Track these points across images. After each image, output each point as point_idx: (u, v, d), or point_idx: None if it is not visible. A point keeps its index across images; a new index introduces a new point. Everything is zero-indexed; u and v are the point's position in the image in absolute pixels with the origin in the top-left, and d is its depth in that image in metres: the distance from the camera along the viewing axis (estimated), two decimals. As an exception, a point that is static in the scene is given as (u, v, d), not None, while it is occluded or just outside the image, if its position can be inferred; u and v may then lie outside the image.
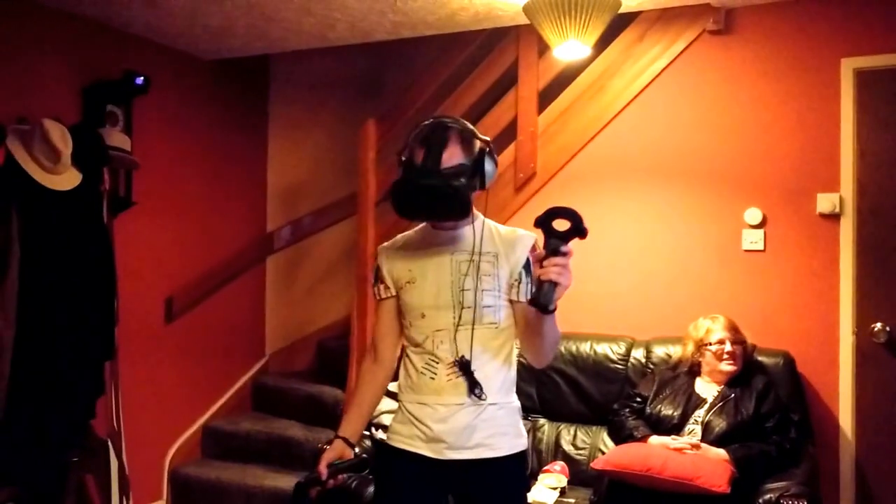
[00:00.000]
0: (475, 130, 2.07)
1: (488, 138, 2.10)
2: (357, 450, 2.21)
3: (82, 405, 3.35)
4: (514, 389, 2.14)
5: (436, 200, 1.98)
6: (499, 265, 2.07)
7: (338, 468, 2.04)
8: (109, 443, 3.56)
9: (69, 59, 3.71)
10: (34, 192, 3.09)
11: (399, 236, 2.21)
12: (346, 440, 2.10)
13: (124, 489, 3.58)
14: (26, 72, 3.52)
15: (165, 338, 4.29)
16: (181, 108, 4.38)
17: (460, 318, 2.03)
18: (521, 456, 2.10)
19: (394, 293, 2.13)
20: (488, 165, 2.04)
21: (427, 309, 2.06)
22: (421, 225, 2.19)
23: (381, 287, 2.15)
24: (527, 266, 2.08)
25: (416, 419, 2.06)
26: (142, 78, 3.76)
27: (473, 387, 2.01)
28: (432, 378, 2.04)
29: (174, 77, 4.29)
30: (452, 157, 2.00)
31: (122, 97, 3.84)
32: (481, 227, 2.10)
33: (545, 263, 1.84)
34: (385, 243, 2.21)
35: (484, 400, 2.02)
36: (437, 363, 2.04)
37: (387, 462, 2.14)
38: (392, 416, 2.18)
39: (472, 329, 2.02)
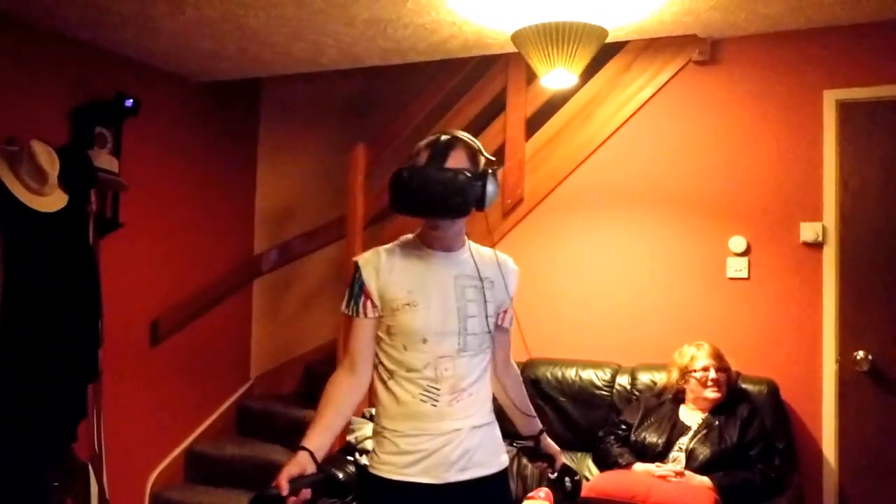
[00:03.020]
0: (482, 148, 2.03)
1: (494, 159, 2.06)
2: (320, 464, 1.99)
3: (64, 428, 3.32)
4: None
5: (439, 194, 1.89)
6: (493, 291, 2.07)
7: (300, 484, 1.84)
8: (90, 466, 3.52)
9: (59, 80, 3.72)
10: (20, 213, 3.09)
11: (381, 249, 2.06)
12: (311, 454, 1.91)
13: (105, 513, 3.54)
14: (15, 92, 3.52)
15: (150, 360, 4.26)
16: (171, 130, 4.39)
17: (465, 344, 2.00)
18: (507, 471, 2.14)
19: (380, 313, 2.02)
20: (490, 186, 1.97)
21: (431, 335, 1.98)
22: (403, 239, 2.09)
23: (368, 305, 2.01)
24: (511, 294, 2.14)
25: (413, 446, 1.98)
26: (131, 100, 3.77)
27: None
28: (434, 405, 1.98)
29: (164, 99, 4.31)
30: (457, 161, 1.95)
31: (111, 119, 3.84)
32: (481, 253, 2.10)
33: None
34: (365, 255, 2.06)
35: (490, 425, 2.07)
36: (440, 390, 1.98)
37: (377, 494, 2.04)
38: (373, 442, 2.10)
39: (475, 355, 2.03)
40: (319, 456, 1.94)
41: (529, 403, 2.26)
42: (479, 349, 2.04)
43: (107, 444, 3.63)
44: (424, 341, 1.98)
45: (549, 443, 2.24)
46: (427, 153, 1.96)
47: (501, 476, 2.10)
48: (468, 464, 2.00)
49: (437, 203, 1.92)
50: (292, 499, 1.83)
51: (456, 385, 1.99)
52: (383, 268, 2.01)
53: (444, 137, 1.99)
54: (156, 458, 4.34)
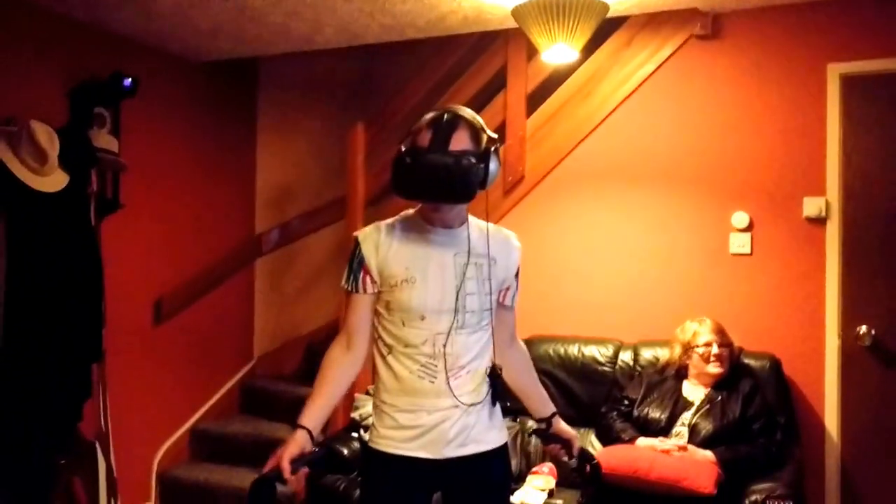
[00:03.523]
0: (484, 125, 2.00)
1: (496, 136, 2.02)
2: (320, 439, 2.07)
3: (70, 407, 3.34)
4: None
5: (443, 179, 1.87)
6: (496, 268, 2.06)
7: (301, 463, 1.89)
8: (97, 445, 3.54)
9: (57, 60, 3.70)
10: (21, 194, 3.08)
11: (381, 225, 2.05)
12: (309, 432, 1.95)
13: (112, 491, 3.57)
14: (13, 72, 3.50)
15: (154, 340, 4.28)
16: (169, 109, 4.37)
17: (463, 321, 1.99)
18: (506, 447, 2.14)
19: (379, 289, 2.02)
20: (493, 164, 1.95)
21: (429, 312, 1.98)
22: (403, 214, 2.08)
23: (367, 280, 2.01)
24: (517, 272, 2.12)
25: (411, 421, 2.00)
26: (130, 80, 3.74)
27: (498, 398, 2.05)
28: (432, 382, 1.98)
29: (162, 79, 4.28)
30: (460, 142, 1.92)
31: (109, 99, 3.82)
32: (482, 229, 2.07)
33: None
34: (365, 230, 2.06)
35: (488, 402, 2.05)
36: (437, 366, 1.98)
37: (377, 468, 2.07)
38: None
39: (473, 332, 2.02)
40: (317, 433, 1.98)
41: (539, 384, 2.25)
42: (477, 326, 2.03)
43: (113, 424, 3.65)
44: (422, 318, 1.98)
45: (563, 426, 2.21)
46: (429, 134, 1.93)
47: (500, 452, 2.10)
48: (466, 440, 2.01)
49: (440, 188, 1.90)
50: (292, 478, 1.86)
51: (454, 362, 1.99)
52: (382, 243, 2.01)
53: (446, 116, 1.95)
54: (162, 437, 4.37)
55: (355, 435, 3.51)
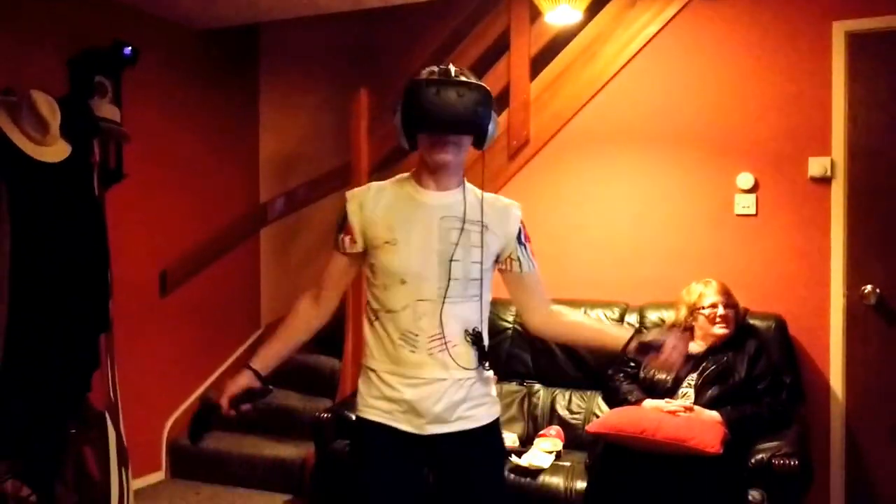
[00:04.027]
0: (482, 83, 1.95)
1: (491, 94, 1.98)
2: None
3: (78, 378, 3.36)
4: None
5: (459, 105, 1.82)
6: (489, 236, 1.97)
7: (243, 399, 1.98)
8: (107, 415, 3.57)
9: (55, 29, 3.67)
10: (23, 165, 3.07)
11: (373, 184, 2.02)
12: (256, 372, 1.98)
13: (123, 460, 3.60)
14: (11, 42, 3.47)
15: (161, 310, 4.30)
16: (171, 78, 4.34)
17: (447, 290, 1.91)
18: (496, 423, 2.06)
19: (360, 249, 1.98)
20: (491, 123, 1.92)
21: (410, 276, 1.91)
22: (398, 177, 2.04)
23: (347, 239, 1.98)
24: (519, 237, 2.03)
25: (394, 392, 1.95)
26: (130, 48, 3.71)
27: (484, 358, 1.97)
28: (412, 351, 1.92)
29: (163, 47, 4.25)
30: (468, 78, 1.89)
31: (110, 68, 3.78)
32: (478, 196, 2.01)
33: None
34: (356, 189, 2.03)
35: (487, 370, 1.99)
36: (418, 336, 1.92)
37: (364, 436, 2.03)
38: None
39: (458, 302, 1.93)
40: (266, 373, 2.02)
41: (595, 322, 2.14)
42: (464, 296, 1.94)
43: (122, 394, 3.67)
44: (403, 282, 1.92)
45: (648, 339, 2.03)
46: (436, 71, 1.90)
47: (488, 429, 2.02)
48: (451, 417, 1.94)
49: (457, 114, 1.84)
50: (232, 412, 1.97)
51: (435, 332, 1.92)
52: (368, 203, 1.97)
53: (450, 66, 1.92)
54: (171, 406, 4.41)
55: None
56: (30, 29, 3.55)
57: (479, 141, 1.94)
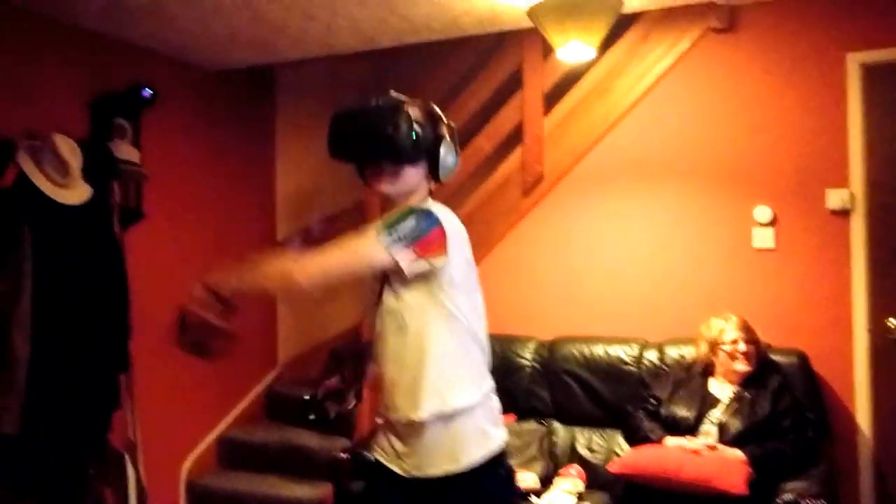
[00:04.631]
0: (443, 115, 1.94)
1: (453, 125, 1.96)
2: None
3: (98, 417, 3.37)
4: (454, 393, 1.86)
5: (370, 125, 1.81)
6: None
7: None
8: (126, 455, 3.57)
9: (76, 72, 3.73)
10: (45, 207, 3.11)
11: None
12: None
13: (142, 501, 3.59)
14: (34, 86, 3.53)
15: (178, 349, 4.29)
16: (189, 119, 4.39)
17: (383, 322, 1.90)
18: (462, 477, 1.87)
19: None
20: (444, 149, 1.88)
21: (369, 313, 1.92)
22: None
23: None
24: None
25: (385, 432, 1.95)
26: (149, 90, 3.77)
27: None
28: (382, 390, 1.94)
29: (181, 88, 4.31)
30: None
31: (129, 110, 3.84)
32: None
33: None
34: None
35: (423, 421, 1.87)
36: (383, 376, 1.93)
37: (372, 476, 2.03)
38: None
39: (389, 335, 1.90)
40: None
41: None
42: (396, 328, 1.85)
43: (141, 433, 3.67)
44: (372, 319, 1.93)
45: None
46: (361, 100, 1.92)
47: (454, 482, 1.85)
48: (416, 461, 1.87)
49: (369, 139, 1.82)
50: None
51: (379, 369, 1.91)
52: None
53: (391, 93, 1.92)
54: (189, 446, 4.39)
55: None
56: (53, 73, 3.62)
57: (433, 171, 1.89)
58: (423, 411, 1.83)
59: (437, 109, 1.95)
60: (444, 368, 1.83)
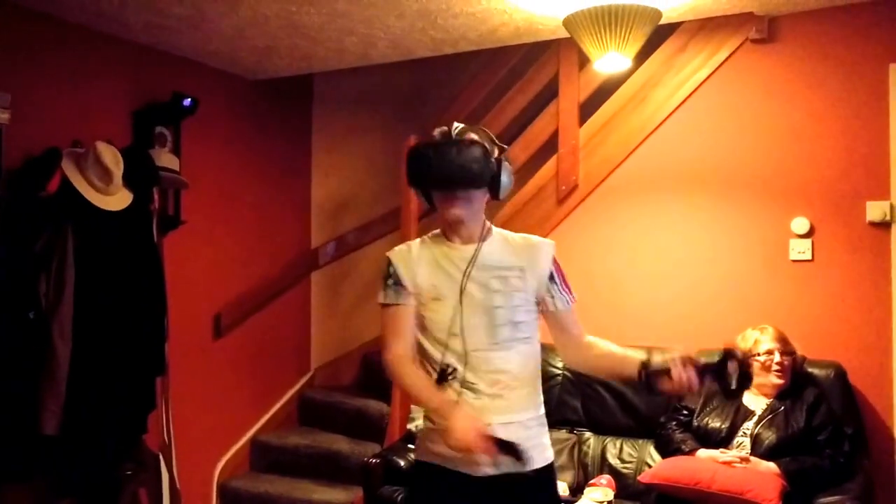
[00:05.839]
0: (494, 137, 2.10)
1: (506, 147, 2.12)
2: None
3: (135, 419, 3.43)
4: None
5: (454, 162, 1.97)
6: (525, 279, 2.07)
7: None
8: (161, 456, 3.63)
9: (120, 83, 3.83)
10: (88, 213, 3.19)
11: (412, 244, 2.16)
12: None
13: (175, 501, 3.65)
14: (80, 97, 3.63)
15: (214, 353, 4.37)
16: (228, 127, 4.47)
17: (496, 336, 2.04)
18: (550, 467, 2.11)
19: (413, 302, 2.08)
20: (504, 173, 2.06)
21: (458, 328, 2.03)
22: (432, 234, 2.17)
23: (404, 291, 2.08)
24: (552, 275, 2.10)
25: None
26: (189, 99, 3.85)
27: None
28: (476, 398, 2.01)
29: (220, 97, 4.39)
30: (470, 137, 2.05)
31: (170, 118, 3.93)
32: (509, 240, 2.13)
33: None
34: (395, 249, 2.16)
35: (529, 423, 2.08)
36: (476, 384, 2.02)
37: (424, 480, 2.11)
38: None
39: (498, 349, 2.04)
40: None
41: (619, 349, 2.14)
42: (513, 340, 2.04)
43: (175, 435, 3.73)
44: (454, 335, 2.02)
45: (658, 360, 2.01)
46: (440, 132, 2.08)
47: (543, 474, 2.07)
48: (501, 457, 1.96)
49: (454, 172, 1.98)
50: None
51: (473, 380, 2.02)
52: (411, 263, 2.10)
53: (456, 123, 2.09)
54: (222, 448, 4.45)
55: (412, 446, 3.52)
56: (97, 84, 3.71)
57: (494, 191, 2.07)
58: (540, 409, 2.14)
59: (490, 132, 2.12)
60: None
